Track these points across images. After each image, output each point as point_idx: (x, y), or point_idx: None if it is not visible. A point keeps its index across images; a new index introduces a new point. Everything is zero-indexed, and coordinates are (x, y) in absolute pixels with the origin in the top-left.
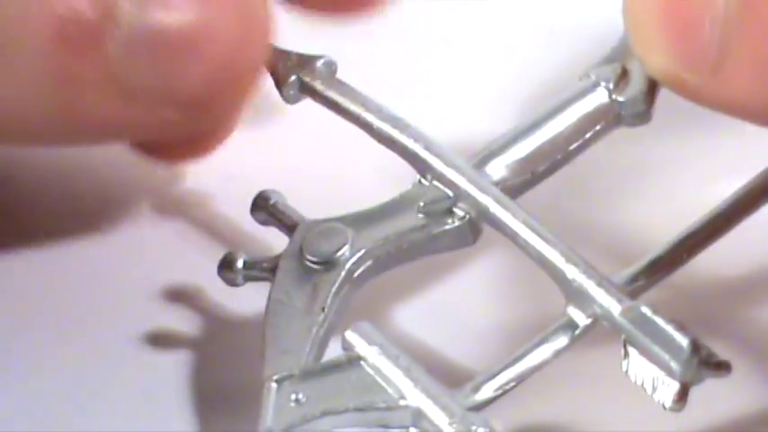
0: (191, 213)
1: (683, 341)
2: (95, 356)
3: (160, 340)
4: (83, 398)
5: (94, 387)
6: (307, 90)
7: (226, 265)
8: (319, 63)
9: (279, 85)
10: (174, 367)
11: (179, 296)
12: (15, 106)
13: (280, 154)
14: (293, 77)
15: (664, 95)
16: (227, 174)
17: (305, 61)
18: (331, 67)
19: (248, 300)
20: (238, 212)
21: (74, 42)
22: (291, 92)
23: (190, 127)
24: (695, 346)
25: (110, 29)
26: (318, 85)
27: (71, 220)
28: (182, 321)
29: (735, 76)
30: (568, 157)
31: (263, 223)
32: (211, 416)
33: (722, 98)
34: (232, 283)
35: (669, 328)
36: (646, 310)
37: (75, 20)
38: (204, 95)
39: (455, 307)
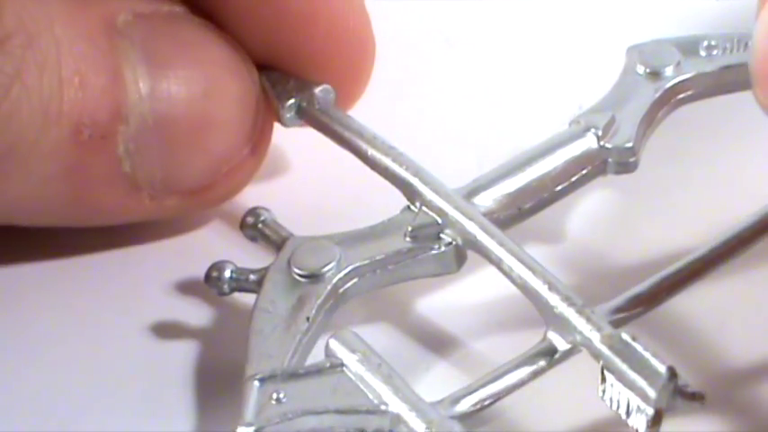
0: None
1: (661, 368)
2: (100, 347)
3: (167, 330)
4: (87, 387)
5: (99, 377)
6: (304, 115)
7: (213, 275)
8: (317, 90)
9: (277, 107)
10: (181, 356)
11: (186, 287)
12: (28, 200)
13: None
14: (291, 101)
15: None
16: None
17: (303, 86)
18: (329, 94)
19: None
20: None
21: (87, 142)
22: (288, 115)
23: (191, 211)
24: (672, 374)
25: (119, 127)
26: (315, 111)
27: None
28: (188, 312)
29: None
30: (554, 197)
31: (252, 239)
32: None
33: None
34: (219, 292)
35: (647, 355)
36: (626, 336)
37: (89, 123)
38: (205, 185)
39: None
